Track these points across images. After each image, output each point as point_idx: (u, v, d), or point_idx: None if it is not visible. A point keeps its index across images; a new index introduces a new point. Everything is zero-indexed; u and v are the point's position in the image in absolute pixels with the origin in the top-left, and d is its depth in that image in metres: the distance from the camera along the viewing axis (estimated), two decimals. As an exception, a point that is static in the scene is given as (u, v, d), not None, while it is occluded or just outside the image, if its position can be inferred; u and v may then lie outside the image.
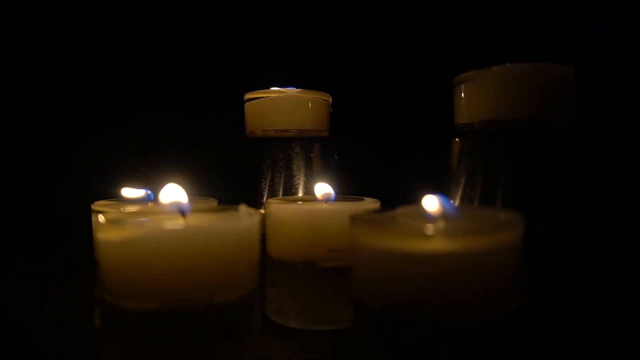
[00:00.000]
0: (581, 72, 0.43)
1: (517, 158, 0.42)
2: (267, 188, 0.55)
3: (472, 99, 0.45)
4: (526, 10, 0.68)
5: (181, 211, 0.29)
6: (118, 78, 0.73)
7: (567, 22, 0.66)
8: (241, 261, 0.27)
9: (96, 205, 0.41)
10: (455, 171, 0.46)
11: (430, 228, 0.25)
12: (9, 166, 0.69)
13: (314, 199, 0.42)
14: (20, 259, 0.58)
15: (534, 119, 0.41)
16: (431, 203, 0.28)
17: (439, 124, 0.54)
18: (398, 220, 0.29)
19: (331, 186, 0.42)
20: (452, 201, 0.31)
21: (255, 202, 0.54)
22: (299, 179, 0.55)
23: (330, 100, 0.59)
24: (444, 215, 0.28)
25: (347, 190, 0.46)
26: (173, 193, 0.30)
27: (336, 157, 0.60)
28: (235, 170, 0.62)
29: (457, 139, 0.47)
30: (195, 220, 0.30)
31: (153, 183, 0.44)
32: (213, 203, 0.42)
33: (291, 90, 0.55)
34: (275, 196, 0.54)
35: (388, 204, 0.33)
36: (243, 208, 0.30)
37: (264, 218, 0.33)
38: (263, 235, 0.31)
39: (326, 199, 0.41)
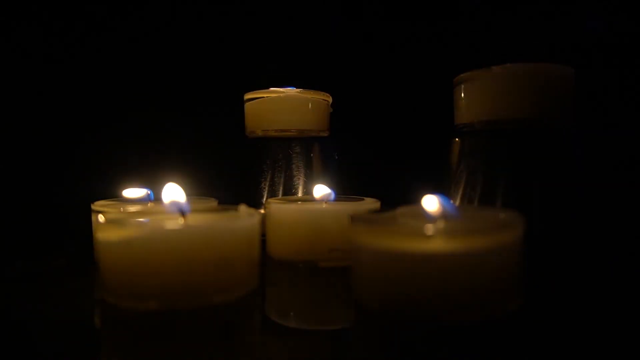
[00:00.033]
0: (581, 72, 0.43)
1: (517, 158, 0.42)
2: (267, 188, 0.55)
3: (472, 99, 0.45)
4: (526, 10, 0.68)
5: (181, 211, 0.29)
6: (118, 78, 0.73)
7: (567, 22, 0.66)
8: (241, 261, 0.27)
9: (96, 205, 0.41)
10: (455, 171, 0.46)
11: (430, 228, 0.25)
12: (9, 166, 0.69)
13: (314, 199, 0.42)
14: (20, 259, 0.58)
15: (534, 119, 0.41)
16: (431, 203, 0.28)
17: (439, 124, 0.54)
18: (398, 220, 0.29)
19: (331, 186, 0.42)
20: (452, 201, 0.31)
21: (255, 202, 0.54)
22: (298, 179, 0.55)
23: (330, 100, 0.59)
24: (444, 215, 0.28)
25: (347, 190, 0.46)
26: (172, 193, 0.30)
27: (336, 157, 0.60)
28: (235, 170, 0.62)
29: (457, 139, 0.47)
30: (195, 220, 0.30)
31: (153, 183, 0.44)
32: (213, 203, 0.42)
33: (291, 90, 0.55)
34: (275, 196, 0.54)
35: (388, 204, 0.33)
36: (243, 208, 0.30)
37: (264, 218, 0.33)
38: (263, 235, 0.31)
39: (326, 200, 0.41)
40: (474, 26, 0.71)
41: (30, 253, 0.61)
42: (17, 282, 0.50)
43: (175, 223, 0.28)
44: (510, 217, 0.26)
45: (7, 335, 0.36)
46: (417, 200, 0.28)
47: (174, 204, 0.30)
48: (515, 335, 0.24)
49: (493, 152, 0.44)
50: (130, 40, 0.74)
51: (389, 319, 0.23)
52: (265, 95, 0.56)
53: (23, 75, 0.70)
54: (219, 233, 0.26)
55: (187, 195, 0.31)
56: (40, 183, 0.70)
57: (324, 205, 0.39)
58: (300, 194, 0.55)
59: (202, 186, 0.49)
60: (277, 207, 0.39)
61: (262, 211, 0.42)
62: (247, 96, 0.57)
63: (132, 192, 0.45)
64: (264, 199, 0.54)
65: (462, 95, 0.46)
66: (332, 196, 0.41)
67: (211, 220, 0.31)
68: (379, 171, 0.71)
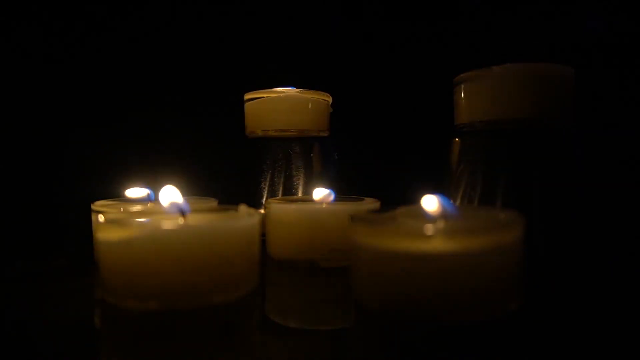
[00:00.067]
0: (581, 72, 0.43)
1: (517, 158, 0.42)
2: (267, 188, 0.55)
3: (472, 99, 0.45)
4: (526, 10, 0.68)
5: (181, 211, 0.29)
6: (118, 78, 0.73)
7: (567, 22, 0.66)
8: (241, 261, 0.27)
9: (96, 205, 0.41)
10: (455, 171, 0.46)
11: (430, 228, 0.25)
12: (9, 166, 0.69)
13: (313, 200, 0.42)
14: (20, 259, 0.58)
15: (534, 119, 0.41)
16: (431, 203, 0.28)
17: (439, 124, 0.54)
18: (398, 220, 0.29)
19: (331, 186, 0.42)
20: (452, 201, 0.31)
21: (255, 202, 0.54)
22: (298, 179, 0.55)
23: (330, 100, 0.59)
24: (443, 215, 0.28)
25: (347, 190, 0.46)
26: (169, 194, 0.30)
27: (336, 157, 0.60)
28: (235, 170, 0.62)
29: (457, 139, 0.47)
30: (195, 220, 0.30)
31: (153, 183, 0.44)
32: (213, 203, 0.42)
33: (291, 90, 0.55)
34: (275, 196, 0.54)
35: (388, 204, 0.33)
36: (243, 208, 0.30)
37: (264, 218, 0.33)
38: (263, 235, 0.31)
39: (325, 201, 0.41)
40: (474, 26, 0.71)
41: (30, 253, 0.61)
42: (17, 282, 0.50)
43: (175, 223, 0.28)
44: (510, 217, 0.26)
45: (7, 335, 0.36)
46: (417, 200, 0.28)
47: (174, 204, 0.30)
48: (515, 335, 0.24)
49: (493, 152, 0.44)
50: (130, 40, 0.74)
51: (389, 319, 0.23)
52: (265, 96, 0.56)
53: (23, 75, 0.70)
54: (219, 233, 0.26)
55: (187, 195, 0.31)
56: (40, 183, 0.70)
57: (324, 206, 0.39)
58: (300, 194, 0.55)
59: (202, 186, 0.49)
60: (277, 207, 0.39)
61: (262, 211, 0.42)
62: (247, 96, 0.57)
63: (135, 192, 0.45)
64: (264, 199, 0.54)
65: (462, 95, 0.46)
66: (332, 197, 0.41)
67: (211, 220, 0.31)
68: (378, 171, 0.71)
